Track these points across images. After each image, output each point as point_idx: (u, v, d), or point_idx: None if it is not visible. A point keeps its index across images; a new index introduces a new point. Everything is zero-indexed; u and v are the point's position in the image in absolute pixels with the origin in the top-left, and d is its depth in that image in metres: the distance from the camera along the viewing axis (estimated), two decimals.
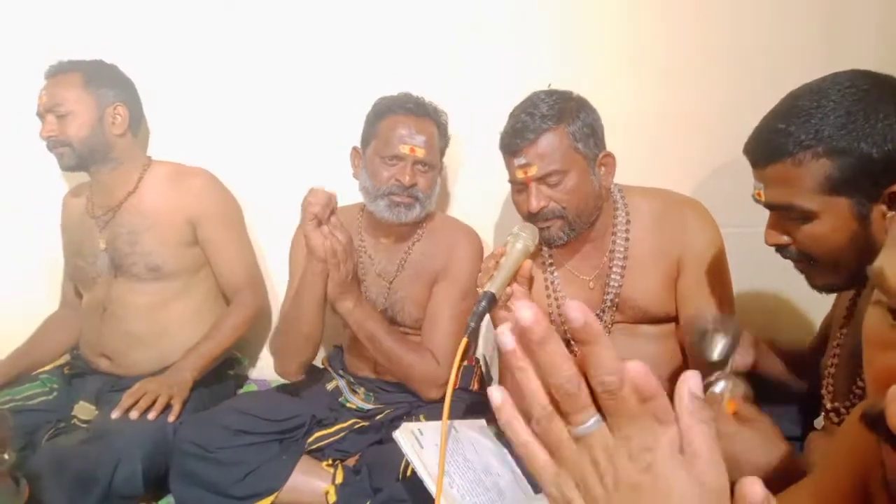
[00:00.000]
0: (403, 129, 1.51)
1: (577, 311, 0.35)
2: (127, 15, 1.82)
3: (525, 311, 0.36)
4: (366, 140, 1.58)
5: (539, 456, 0.37)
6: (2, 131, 1.86)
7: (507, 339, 0.37)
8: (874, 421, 0.38)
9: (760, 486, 0.34)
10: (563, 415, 0.36)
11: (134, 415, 1.45)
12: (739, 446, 0.95)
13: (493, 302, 1.18)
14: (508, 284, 1.23)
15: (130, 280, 1.68)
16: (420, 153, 1.51)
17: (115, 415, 1.45)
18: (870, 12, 1.58)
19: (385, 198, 1.52)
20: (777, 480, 0.91)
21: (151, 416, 1.46)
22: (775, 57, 1.58)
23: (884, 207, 0.93)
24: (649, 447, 0.33)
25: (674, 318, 1.46)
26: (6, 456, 1.08)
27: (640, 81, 1.72)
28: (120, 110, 1.67)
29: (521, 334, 0.36)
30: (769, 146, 1.00)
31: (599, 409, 0.35)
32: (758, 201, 1.05)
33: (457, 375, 1.03)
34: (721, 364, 1.04)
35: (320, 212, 1.31)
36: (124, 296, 1.69)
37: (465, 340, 1.10)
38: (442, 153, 1.61)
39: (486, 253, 1.67)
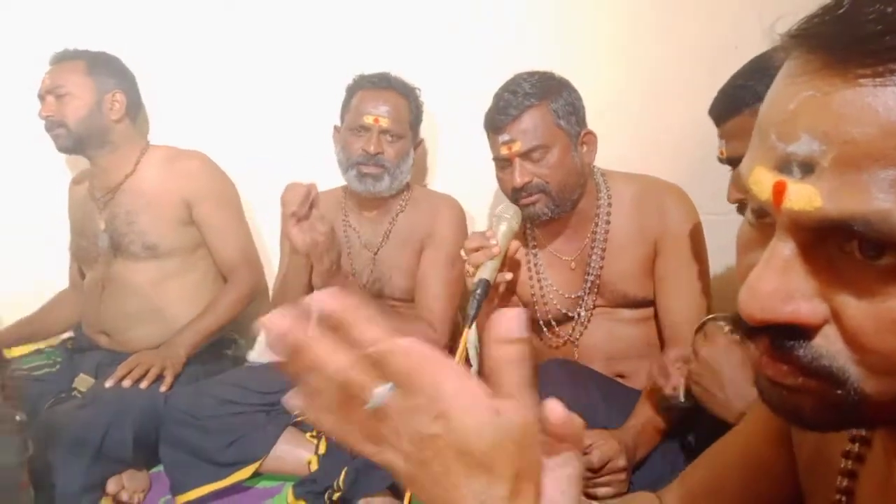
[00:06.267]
0: (369, 101, 1.58)
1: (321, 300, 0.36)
2: (130, 9, 1.88)
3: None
4: (342, 117, 1.66)
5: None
6: (10, 124, 1.94)
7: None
8: (738, 322, 0.38)
9: (561, 406, 0.37)
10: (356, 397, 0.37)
11: (127, 383, 1.51)
12: (728, 357, 1.01)
13: (487, 288, 1.19)
14: (500, 269, 1.23)
15: (128, 259, 1.74)
16: (384, 122, 1.57)
17: (108, 383, 1.52)
18: None
19: (354, 168, 1.58)
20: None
21: (143, 384, 1.52)
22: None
23: None
24: (435, 398, 0.34)
25: (651, 302, 1.48)
26: (18, 417, 1.16)
27: (625, 66, 1.73)
28: (118, 97, 1.73)
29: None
30: (729, 101, 1.04)
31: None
32: (721, 160, 1.08)
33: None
34: None
35: (298, 210, 1.35)
36: (122, 274, 1.75)
37: (466, 330, 1.10)
38: (413, 125, 1.65)
39: (468, 221, 1.71)
